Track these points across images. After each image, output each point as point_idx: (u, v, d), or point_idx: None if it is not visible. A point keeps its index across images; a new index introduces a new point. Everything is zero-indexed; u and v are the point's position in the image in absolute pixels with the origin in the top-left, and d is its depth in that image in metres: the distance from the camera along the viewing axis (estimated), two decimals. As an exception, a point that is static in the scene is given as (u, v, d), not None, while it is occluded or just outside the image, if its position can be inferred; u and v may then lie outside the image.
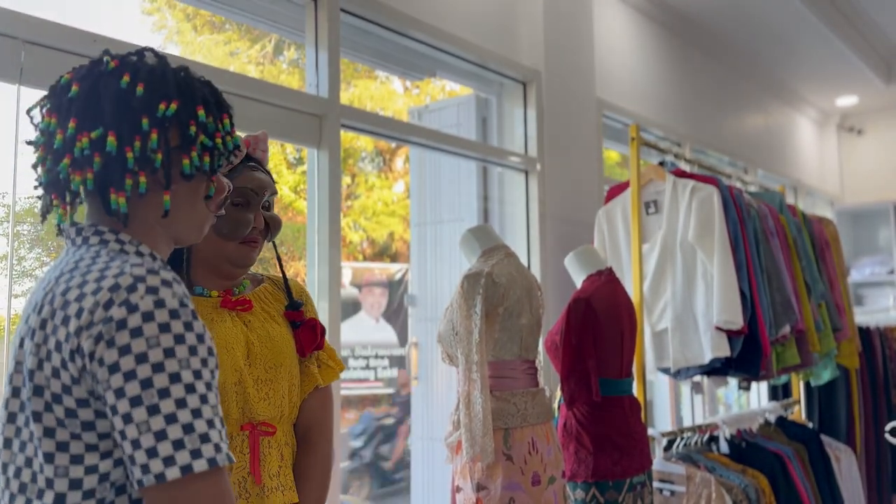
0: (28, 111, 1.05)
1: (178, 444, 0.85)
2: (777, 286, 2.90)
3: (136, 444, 0.86)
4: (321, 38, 2.40)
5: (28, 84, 1.70)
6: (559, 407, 2.36)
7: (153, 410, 0.86)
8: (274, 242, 1.48)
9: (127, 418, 0.86)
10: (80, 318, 0.89)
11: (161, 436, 0.85)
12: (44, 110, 1.02)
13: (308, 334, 1.42)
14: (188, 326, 0.90)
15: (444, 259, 3.41)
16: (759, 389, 4.14)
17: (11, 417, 0.95)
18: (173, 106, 1.00)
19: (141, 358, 0.87)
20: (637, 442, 2.28)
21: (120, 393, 0.86)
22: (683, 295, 2.75)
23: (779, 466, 2.85)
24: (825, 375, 3.55)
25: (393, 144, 6.66)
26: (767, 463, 2.84)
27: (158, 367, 0.87)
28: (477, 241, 2.16)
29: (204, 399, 0.89)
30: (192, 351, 0.89)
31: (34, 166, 1.02)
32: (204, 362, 0.90)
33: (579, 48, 3.42)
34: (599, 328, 2.28)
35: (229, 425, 1.29)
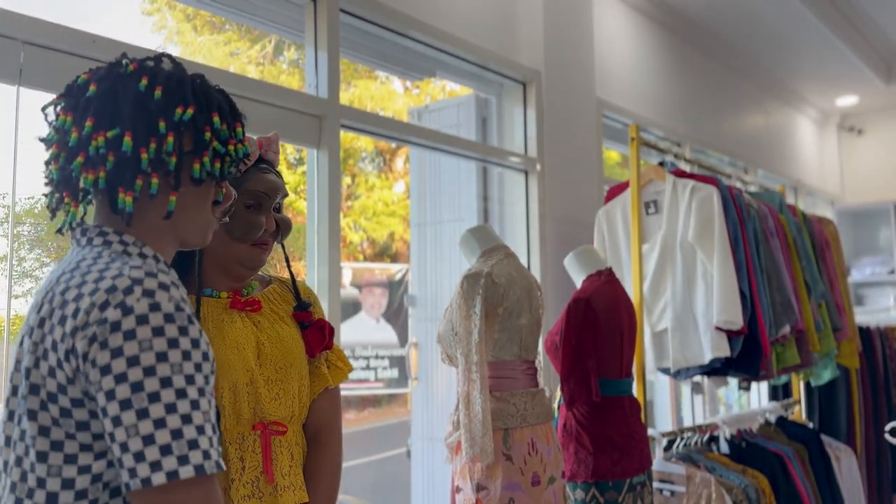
0: (43, 108, 1.06)
1: (166, 450, 0.85)
2: (777, 286, 2.90)
3: (124, 448, 0.85)
4: (321, 39, 2.40)
5: (27, 85, 1.70)
6: (559, 407, 2.36)
7: (142, 414, 0.85)
8: (282, 244, 1.49)
9: (116, 421, 0.86)
10: (76, 318, 0.89)
11: (149, 440, 0.85)
12: (58, 108, 1.03)
13: (317, 335, 1.43)
14: (183, 331, 0.90)
15: (444, 259, 3.41)
16: (760, 389, 4.14)
17: (11, 416, 0.96)
18: (190, 111, 1.01)
19: (132, 361, 0.86)
20: (637, 442, 2.28)
21: (111, 395, 0.86)
22: (683, 295, 2.75)
23: (779, 466, 2.85)
24: (825, 375, 3.55)
25: (393, 145, 6.66)
26: (767, 463, 2.84)
27: (150, 371, 0.86)
28: (477, 241, 2.16)
29: (195, 405, 0.88)
30: (186, 356, 0.89)
31: (46, 163, 1.03)
32: (198, 367, 0.90)
33: (579, 48, 3.42)
34: (599, 328, 2.28)
35: (241, 425, 1.30)
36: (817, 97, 6.08)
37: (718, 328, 2.63)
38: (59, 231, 1.04)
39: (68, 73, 1.75)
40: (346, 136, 2.65)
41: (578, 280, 2.47)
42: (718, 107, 4.89)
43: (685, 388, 4.00)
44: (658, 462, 2.64)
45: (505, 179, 3.25)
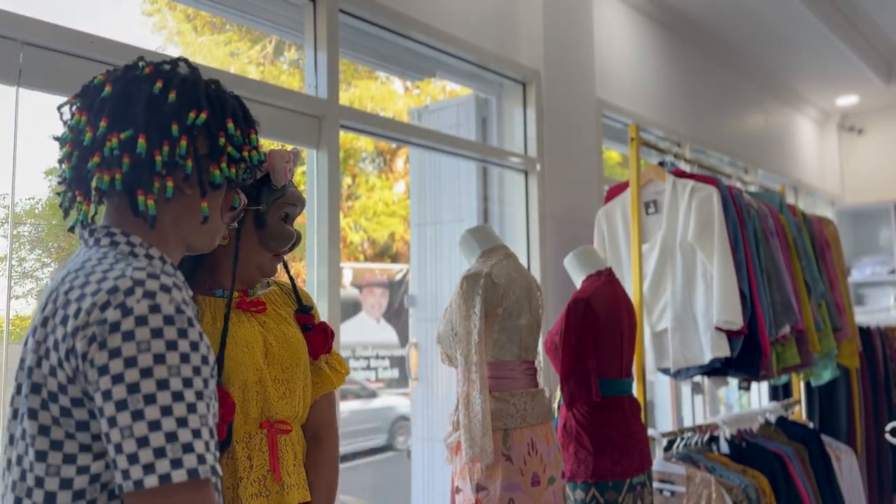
0: (58, 108, 1.06)
1: (160, 452, 0.84)
2: (777, 286, 2.90)
3: (118, 449, 0.85)
4: (320, 39, 2.40)
5: (27, 86, 1.70)
6: (559, 407, 2.36)
7: (137, 416, 0.85)
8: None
9: (112, 422, 0.86)
10: (77, 318, 0.89)
11: (143, 442, 0.84)
12: (73, 108, 1.04)
13: (320, 337, 1.46)
14: (182, 333, 0.89)
15: (444, 259, 3.41)
16: (760, 389, 4.14)
17: (15, 414, 0.96)
18: (203, 115, 1.02)
19: (130, 362, 0.86)
20: (637, 442, 2.28)
21: (107, 395, 0.86)
22: (683, 295, 2.75)
23: (779, 466, 2.85)
24: (825, 375, 3.55)
25: (393, 145, 6.66)
26: (768, 463, 2.84)
27: (147, 373, 0.86)
28: (476, 241, 2.16)
29: (192, 408, 0.87)
30: (185, 358, 0.89)
31: (60, 161, 1.04)
32: (196, 370, 0.90)
33: (579, 48, 3.42)
34: (599, 328, 2.28)
35: (248, 424, 1.31)
36: (817, 97, 6.08)
37: (718, 328, 2.63)
38: (71, 230, 1.05)
39: (67, 73, 1.75)
40: (346, 137, 2.66)
41: (578, 280, 2.47)
42: (718, 107, 4.89)
43: (685, 389, 4.00)
44: (658, 462, 2.64)
45: (505, 179, 3.25)
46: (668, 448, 2.75)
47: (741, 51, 4.96)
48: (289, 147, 1.49)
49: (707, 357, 2.66)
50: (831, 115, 6.60)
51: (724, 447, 2.91)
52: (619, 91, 3.86)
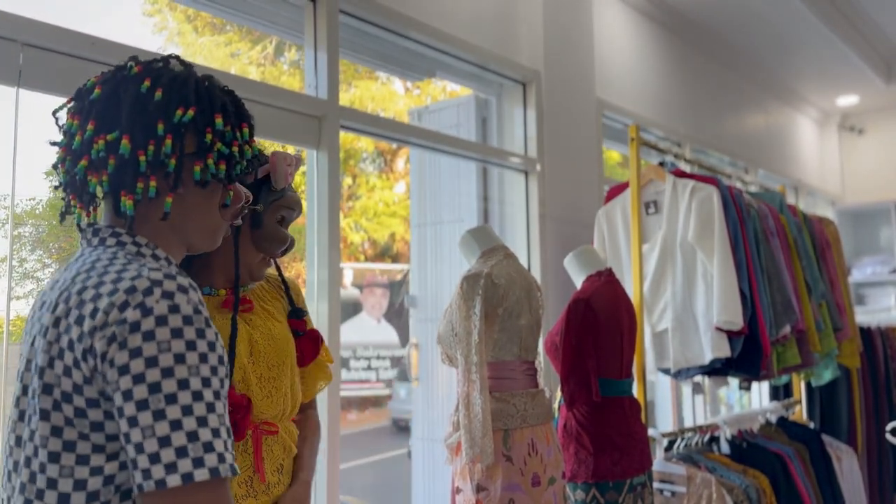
0: (54, 112, 1.06)
1: (182, 452, 0.85)
2: (777, 286, 2.90)
3: (139, 448, 0.85)
4: (320, 40, 2.40)
5: (27, 87, 1.70)
6: (559, 408, 2.36)
7: (159, 416, 0.85)
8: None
9: (132, 421, 0.86)
10: (94, 318, 0.89)
11: (165, 442, 0.85)
12: (68, 112, 1.04)
13: (310, 345, 1.46)
14: (200, 334, 0.90)
15: (444, 260, 3.42)
16: (760, 389, 4.14)
17: (22, 416, 0.96)
18: (190, 112, 1.01)
19: (151, 362, 0.86)
20: (637, 442, 2.28)
21: (128, 395, 0.86)
22: (683, 295, 2.75)
23: (780, 466, 2.84)
24: (826, 375, 3.54)
25: (393, 145, 6.66)
26: (768, 463, 2.83)
27: (168, 373, 0.86)
28: (476, 241, 2.16)
29: (211, 408, 0.88)
30: (203, 358, 0.89)
31: (54, 166, 1.04)
32: (214, 370, 0.90)
33: (579, 48, 3.42)
34: (599, 329, 2.28)
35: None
36: (818, 97, 6.08)
37: (719, 328, 2.63)
38: (79, 226, 1.05)
39: (67, 74, 1.75)
40: (346, 137, 2.66)
41: (578, 280, 2.47)
42: (719, 107, 4.89)
43: (686, 389, 4.00)
44: (658, 462, 2.64)
45: (505, 180, 3.25)
46: (668, 448, 2.75)
47: (741, 51, 4.96)
48: (291, 150, 1.49)
49: (707, 357, 2.66)
50: (832, 115, 6.60)
51: (725, 447, 2.91)
52: (619, 91, 3.86)
